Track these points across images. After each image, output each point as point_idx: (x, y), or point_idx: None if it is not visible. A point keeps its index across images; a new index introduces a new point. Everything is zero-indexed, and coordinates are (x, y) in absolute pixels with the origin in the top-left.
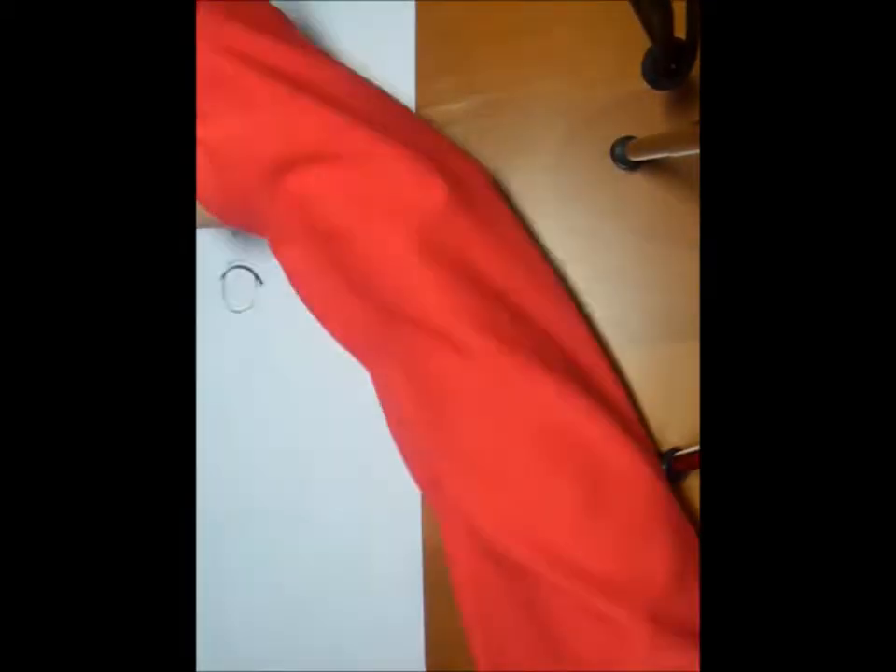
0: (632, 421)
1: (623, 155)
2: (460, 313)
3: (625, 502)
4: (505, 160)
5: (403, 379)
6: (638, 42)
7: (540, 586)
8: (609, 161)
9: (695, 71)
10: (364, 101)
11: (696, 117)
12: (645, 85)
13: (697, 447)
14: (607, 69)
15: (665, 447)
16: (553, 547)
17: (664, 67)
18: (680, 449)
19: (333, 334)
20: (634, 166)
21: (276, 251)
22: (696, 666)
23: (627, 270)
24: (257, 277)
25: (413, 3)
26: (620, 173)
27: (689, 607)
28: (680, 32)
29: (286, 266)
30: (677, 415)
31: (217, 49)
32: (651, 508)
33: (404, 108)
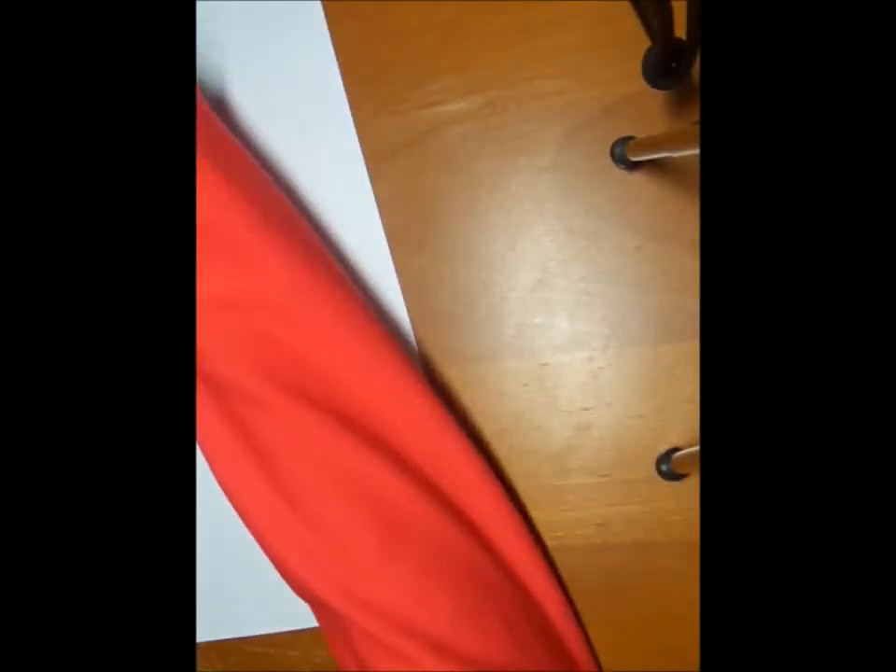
0: (432, 475)
1: (623, 155)
2: (267, 377)
3: (418, 541)
4: (505, 160)
5: (230, 439)
6: (639, 42)
7: (353, 631)
8: (608, 161)
9: (696, 71)
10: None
11: (696, 117)
12: (645, 85)
13: (697, 447)
14: (607, 69)
15: (665, 447)
16: (356, 590)
17: (663, 67)
18: (680, 449)
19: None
20: (634, 166)
21: None
22: None
23: (627, 270)
24: None
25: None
26: (620, 173)
27: (478, 640)
28: (680, 31)
29: None
30: (677, 415)
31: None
32: (441, 547)
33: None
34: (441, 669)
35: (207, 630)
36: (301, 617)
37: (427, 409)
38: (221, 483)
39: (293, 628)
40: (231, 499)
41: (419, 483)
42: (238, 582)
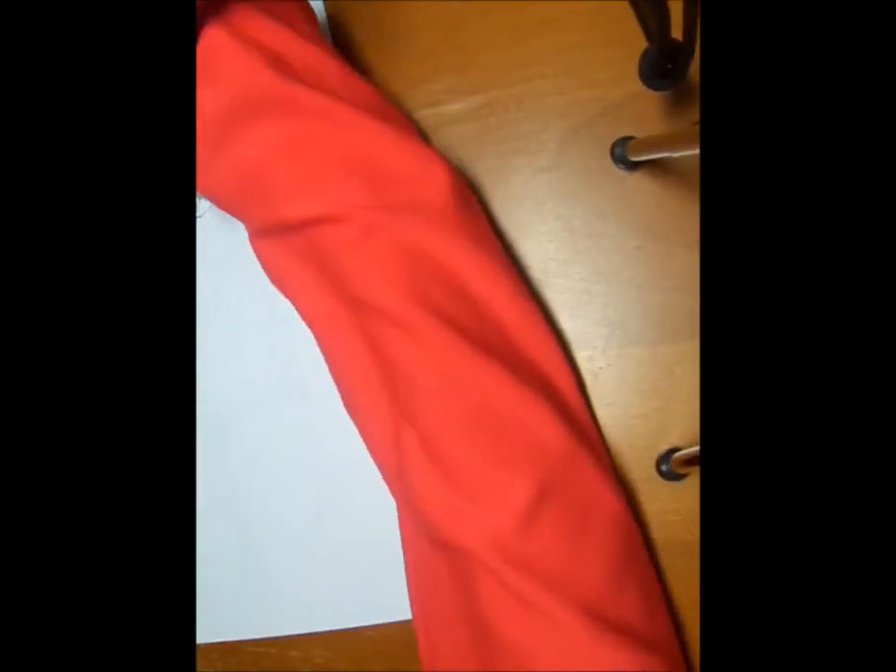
0: (587, 426)
1: (622, 155)
2: (417, 302)
3: (572, 501)
4: (505, 160)
5: (364, 359)
6: (638, 42)
7: (478, 573)
8: (608, 161)
9: (695, 71)
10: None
11: (696, 117)
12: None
13: (697, 447)
14: (607, 69)
15: (665, 447)
16: (499, 537)
17: (660, 68)
18: (680, 449)
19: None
20: (634, 166)
21: (254, 243)
22: (638, 665)
23: (627, 270)
24: None
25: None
26: (620, 173)
27: (628, 608)
28: (678, 33)
29: (262, 259)
30: (677, 415)
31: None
32: (594, 507)
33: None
34: (587, 629)
35: (207, 633)
36: (302, 621)
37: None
38: (351, 410)
39: (294, 633)
40: (363, 436)
41: (576, 433)
42: (238, 585)
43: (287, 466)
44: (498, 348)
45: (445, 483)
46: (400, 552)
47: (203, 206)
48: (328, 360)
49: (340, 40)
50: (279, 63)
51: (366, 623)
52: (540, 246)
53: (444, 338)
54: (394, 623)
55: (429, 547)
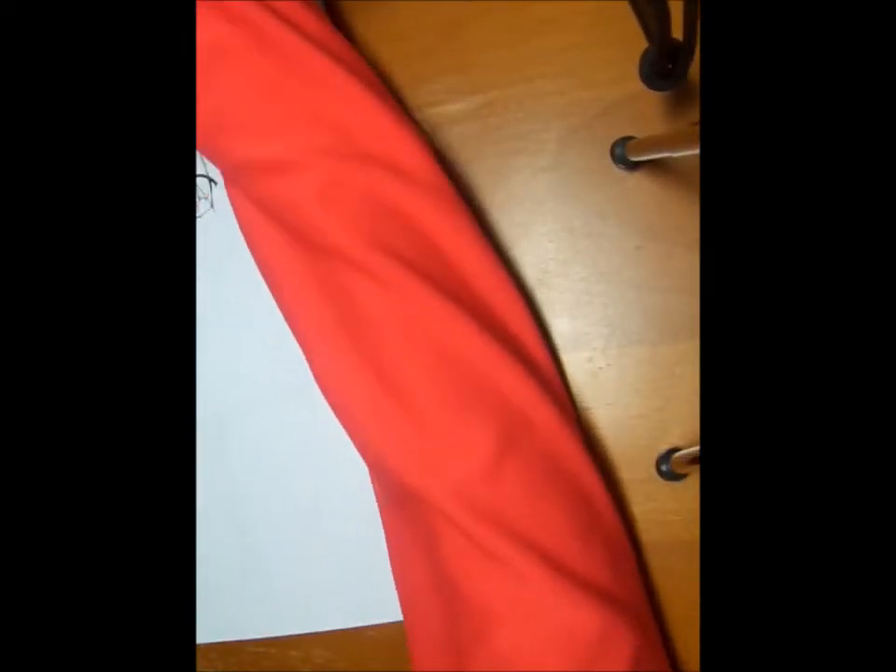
0: (553, 381)
1: (622, 155)
2: (380, 247)
3: (537, 453)
4: (505, 160)
5: (321, 303)
6: (638, 42)
7: (441, 525)
8: (608, 161)
9: (695, 71)
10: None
11: (696, 117)
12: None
13: (697, 447)
14: (607, 69)
15: (665, 447)
16: (463, 486)
17: (660, 68)
18: (680, 449)
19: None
20: (634, 166)
21: (228, 191)
22: (600, 622)
23: (627, 270)
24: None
25: None
26: (620, 173)
27: (592, 564)
28: (678, 33)
29: (233, 207)
30: (677, 415)
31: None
32: (558, 461)
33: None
34: (550, 582)
35: (207, 633)
36: (302, 621)
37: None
38: (309, 358)
39: (294, 633)
40: (319, 379)
41: (541, 385)
42: (238, 585)
43: (287, 466)
44: (464, 299)
45: (407, 425)
46: None
47: (204, 206)
48: (281, 306)
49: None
50: (268, 6)
51: (366, 623)
52: (540, 246)
53: (408, 282)
54: (394, 623)
55: (396, 506)
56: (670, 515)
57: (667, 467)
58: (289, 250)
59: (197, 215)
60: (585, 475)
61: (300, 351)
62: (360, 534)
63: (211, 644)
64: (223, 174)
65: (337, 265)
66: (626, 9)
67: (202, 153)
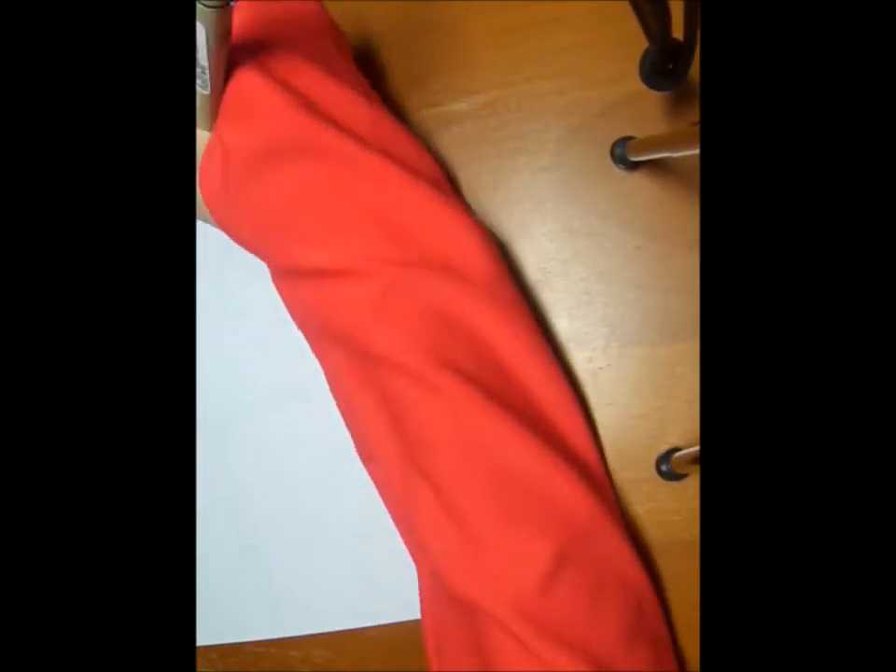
0: (608, 492)
1: (622, 155)
2: (437, 358)
3: (592, 566)
4: (505, 160)
5: (376, 413)
6: (638, 42)
7: (495, 633)
8: (608, 161)
9: (695, 71)
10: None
11: (696, 117)
12: (644, 85)
13: (697, 447)
14: (607, 69)
15: (665, 447)
16: (520, 599)
17: (661, 68)
18: (680, 449)
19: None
20: (634, 166)
21: (276, 284)
22: None
23: (627, 270)
24: None
25: None
26: (620, 173)
27: (634, 665)
28: (678, 33)
29: (283, 298)
30: (677, 415)
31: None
32: (612, 567)
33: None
34: None
35: (208, 634)
36: (302, 623)
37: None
38: (370, 467)
39: (294, 634)
40: (379, 486)
41: (596, 493)
42: (239, 587)
43: (288, 467)
44: (521, 410)
45: (464, 543)
46: (400, 552)
47: None
48: (344, 417)
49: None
50: (311, 106)
51: (366, 625)
52: (540, 246)
53: (464, 395)
54: (394, 623)
55: (448, 605)
56: (670, 515)
57: (667, 467)
58: (346, 362)
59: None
60: (635, 577)
61: (299, 352)
62: (360, 535)
63: (211, 644)
64: (272, 271)
65: (392, 377)
66: (626, 9)
67: (250, 252)
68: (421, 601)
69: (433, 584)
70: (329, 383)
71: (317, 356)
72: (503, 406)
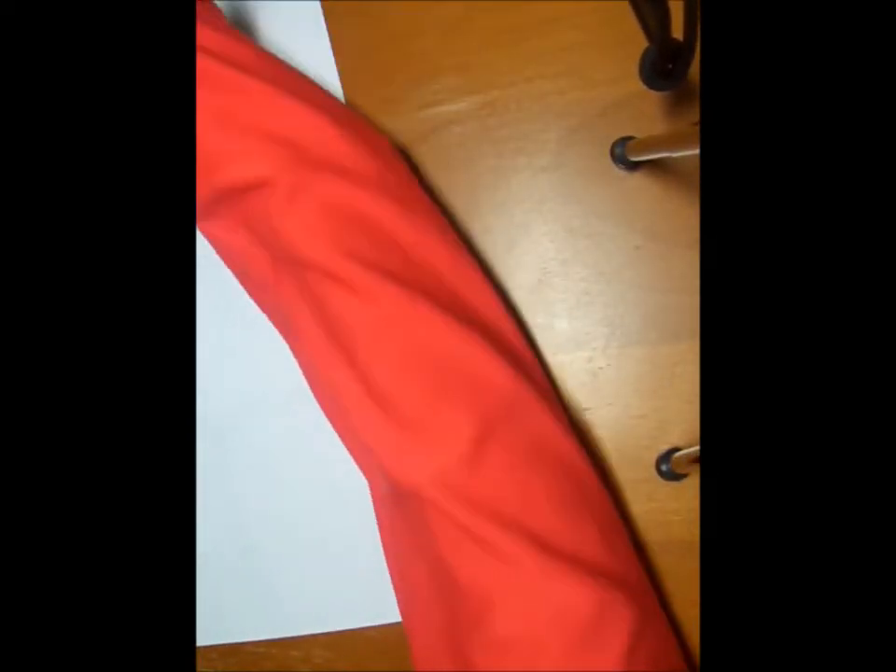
0: (532, 367)
1: (622, 155)
2: (346, 254)
3: (518, 437)
4: (505, 160)
5: (310, 321)
6: (638, 42)
7: (430, 514)
8: (608, 160)
9: (695, 71)
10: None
11: (696, 117)
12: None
13: (697, 447)
14: (607, 69)
15: (665, 447)
16: (446, 476)
17: (660, 68)
18: (680, 449)
19: (250, 294)
20: (634, 166)
21: (202, 227)
22: (597, 597)
23: (627, 270)
24: None
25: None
26: (620, 173)
27: (582, 541)
28: (678, 33)
29: (208, 238)
30: (677, 415)
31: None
32: (541, 442)
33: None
34: (541, 563)
35: (208, 635)
36: (302, 623)
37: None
38: (301, 365)
39: (295, 634)
40: (310, 383)
41: (518, 368)
42: (239, 587)
43: (288, 466)
44: (434, 293)
45: (388, 422)
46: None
47: None
48: (278, 326)
49: (339, 40)
50: (199, 49)
51: (366, 625)
52: (540, 246)
53: (376, 285)
54: (394, 623)
55: (392, 505)
56: (670, 515)
57: (667, 467)
58: (271, 265)
59: None
60: (569, 454)
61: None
62: (360, 535)
63: (211, 645)
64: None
65: (309, 273)
66: (626, 9)
67: None
68: (376, 514)
69: (379, 486)
70: (262, 302)
71: (249, 279)
72: (413, 289)
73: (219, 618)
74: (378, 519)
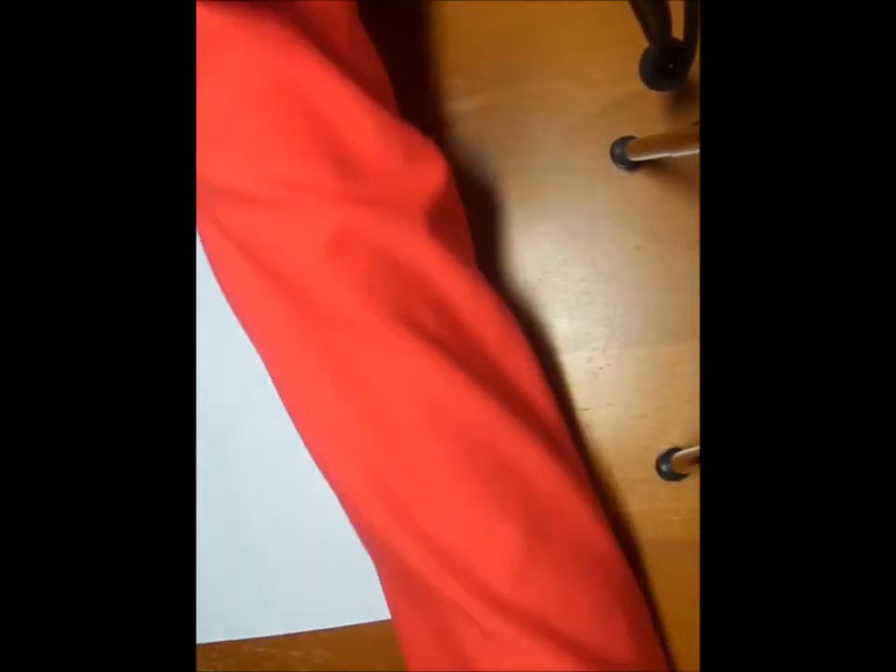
0: (568, 451)
1: (622, 155)
2: (387, 309)
3: (563, 545)
4: (506, 159)
5: (319, 372)
6: (638, 43)
7: (464, 626)
8: (608, 160)
9: (695, 71)
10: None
11: (696, 117)
12: (644, 85)
13: (697, 447)
14: (607, 69)
15: (665, 447)
16: (490, 586)
17: (661, 68)
18: (680, 449)
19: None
20: (634, 166)
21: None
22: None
23: (627, 270)
24: None
25: None
26: (620, 173)
27: (616, 643)
28: (679, 33)
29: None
30: (677, 415)
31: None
32: (585, 544)
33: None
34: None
35: (207, 632)
36: (302, 620)
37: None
38: (301, 432)
39: (293, 631)
40: (318, 462)
41: (563, 463)
42: (239, 584)
43: (287, 464)
44: (482, 372)
45: (428, 518)
46: None
47: None
48: (282, 389)
49: None
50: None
51: (366, 621)
52: (540, 246)
53: (427, 356)
54: None
55: (403, 584)
56: (670, 515)
57: (667, 467)
58: (280, 311)
59: None
60: (610, 559)
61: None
62: None
63: (211, 644)
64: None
65: (345, 334)
66: (626, 9)
67: None
68: (384, 589)
69: (394, 576)
70: (268, 357)
71: (244, 312)
72: (466, 368)
73: (219, 615)
74: (387, 594)
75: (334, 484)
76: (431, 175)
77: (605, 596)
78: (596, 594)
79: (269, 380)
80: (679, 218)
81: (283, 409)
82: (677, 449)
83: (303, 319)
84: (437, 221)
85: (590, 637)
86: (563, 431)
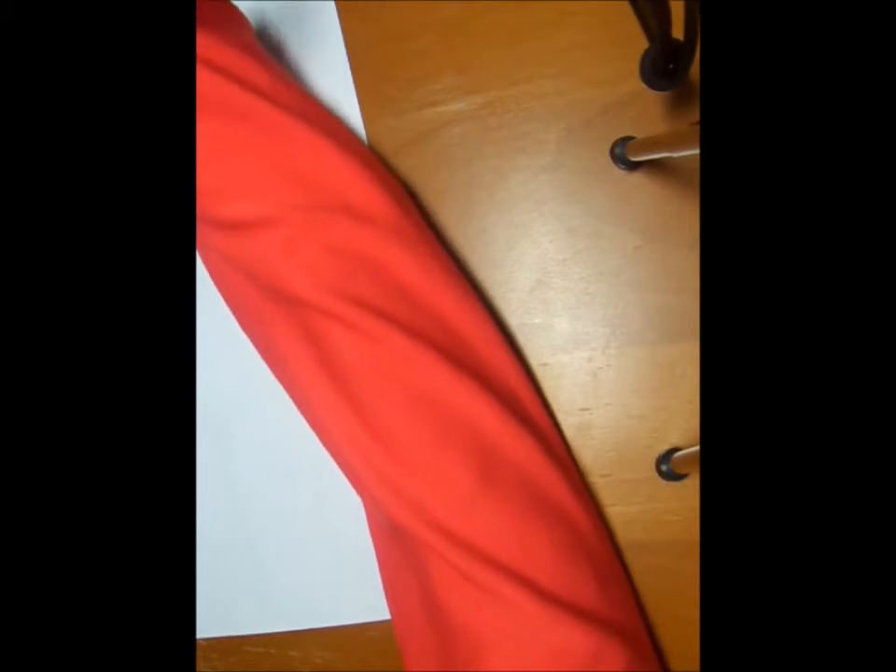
0: (535, 412)
1: (622, 155)
2: (355, 300)
3: (516, 481)
4: (505, 160)
5: (302, 355)
6: (638, 42)
7: (428, 557)
8: (608, 160)
9: (695, 71)
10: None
11: (696, 117)
12: (644, 85)
13: (697, 447)
14: (607, 69)
15: (665, 447)
16: (446, 521)
17: (661, 68)
18: (680, 449)
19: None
20: (634, 166)
21: (200, 251)
22: (594, 643)
23: (627, 270)
24: None
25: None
26: (620, 173)
27: (578, 587)
28: (679, 33)
29: (206, 267)
30: (677, 415)
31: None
32: (539, 490)
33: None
34: (538, 608)
35: (206, 628)
36: (301, 618)
37: (509, 352)
38: (289, 393)
39: (293, 629)
40: (312, 423)
41: (515, 415)
42: (239, 581)
43: (287, 460)
44: (440, 342)
45: (390, 461)
46: None
47: None
48: (273, 365)
49: (344, 40)
50: (214, 66)
51: (367, 620)
52: (540, 246)
53: (381, 330)
54: None
55: (389, 535)
56: (670, 515)
57: (667, 467)
58: (266, 303)
59: None
60: (568, 502)
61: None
62: (362, 530)
63: (211, 644)
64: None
65: (309, 314)
66: (626, 9)
67: None
68: (371, 534)
69: (377, 519)
70: (257, 340)
71: (245, 315)
72: (419, 337)
73: (219, 611)
74: (373, 539)
75: (328, 448)
76: (369, 185)
77: (566, 542)
78: (556, 538)
79: (269, 376)
80: (679, 218)
81: (283, 406)
82: (677, 449)
83: (277, 304)
84: (382, 220)
85: (548, 577)
86: (529, 392)
